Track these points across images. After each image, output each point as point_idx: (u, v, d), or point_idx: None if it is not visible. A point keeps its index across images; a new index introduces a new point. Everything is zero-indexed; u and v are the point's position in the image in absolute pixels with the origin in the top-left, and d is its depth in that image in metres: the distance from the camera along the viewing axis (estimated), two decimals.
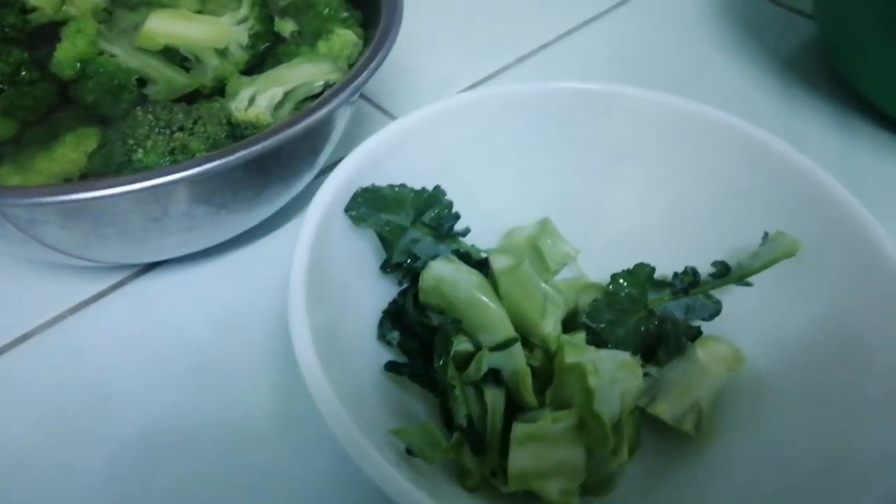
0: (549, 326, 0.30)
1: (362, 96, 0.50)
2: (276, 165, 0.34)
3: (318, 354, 0.24)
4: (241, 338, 0.36)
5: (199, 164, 0.28)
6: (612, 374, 0.28)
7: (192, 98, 0.36)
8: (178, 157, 0.31)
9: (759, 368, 0.31)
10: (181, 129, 0.31)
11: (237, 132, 0.33)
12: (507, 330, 0.30)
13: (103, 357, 0.35)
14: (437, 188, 0.31)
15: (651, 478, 0.30)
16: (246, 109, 0.33)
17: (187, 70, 0.38)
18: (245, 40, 0.38)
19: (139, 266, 0.39)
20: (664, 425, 0.31)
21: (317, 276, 0.27)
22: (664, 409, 0.30)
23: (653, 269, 0.33)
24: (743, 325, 0.32)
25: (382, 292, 0.32)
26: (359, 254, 0.31)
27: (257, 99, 0.34)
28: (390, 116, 0.49)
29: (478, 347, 0.30)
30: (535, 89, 0.34)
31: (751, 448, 0.29)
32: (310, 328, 0.25)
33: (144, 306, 0.38)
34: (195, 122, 0.32)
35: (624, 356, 0.29)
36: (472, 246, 0.34)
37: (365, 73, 0.33)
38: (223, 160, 0.28)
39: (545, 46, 0.57)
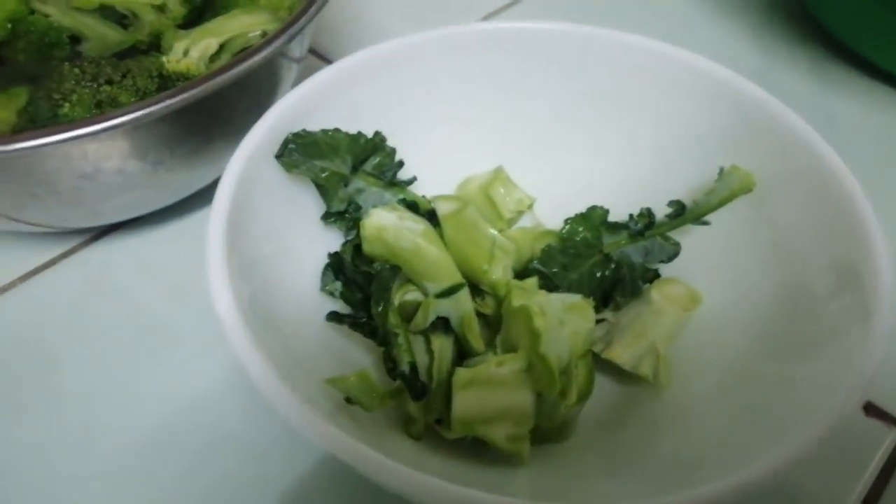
0: (498, 272, 0.29)
1: (315, 54, 0.48)
2: (214, 120, 0.32)
3: (238, 308, 0.23)
4: (195, 304, 0.35)
5: (123, 114, 0.27)
6: (560, 315, 0.27)
7: (129, 55, 0.35)
8: (106, 109, 0.29)
9: (717, 310, 0.30)
10: (109, 82, 0.30)
11: (169, 85, 0.32)
12: (453, 276, 0.29)
13: (52, 326, 0.34)
14: (376, 134, 0.30)
15: (608, 424, 0.29)
16: (179, 62, 0.32)
17: (126, 28, 0.37)
18: None
19: (90, 233, 0.38)
20: (623, 372, 0.30)
21: (242, 228, 0.26)
22: (619, 354, 0.29)
23: (606, 212, 0.31)
24: (702, 266, 0.31)
25: (326, 243, 0.31)
26: (298, 204, 0.30)
27: (190, 51, 0.33)
28: None
29: (426, 296, 0.29)
30: (480, 30, 0.33)
31: (707, 391, 0.28)
32: (229, 282, 0.23)
33: (95, 274, 0.37)
34: (124, 76, 0.30)
35: (574, 298, 0.28)
36: (422, 196, 0.32)
37: (303, 20, 0.32)
38: (147, 109, 0.27)
39: (512, 4, 0.56)
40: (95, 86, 0.30)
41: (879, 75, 0.47)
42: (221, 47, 0.34)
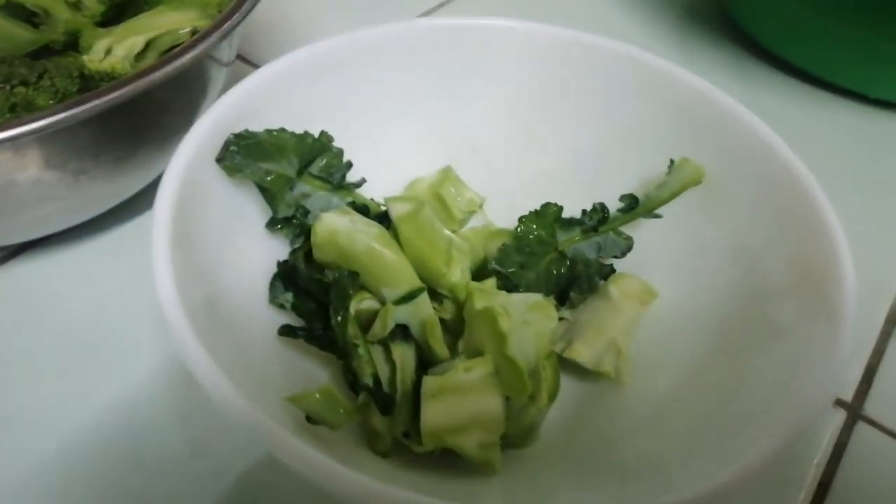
0: (457, 274, 0.28)
1: (243, 59, 0.46)
2: (143, 123, 0.30)
3: (192, 324, 0.21)
4: (132, 319, 0.32)
5: (41, 118, 0.24)
6: (524, 316, 0.27)
7: (41, 56, 0.32)
8: (21, 113, 0.27)
9: (672, 305, 0.30)
10: (24, 83, 0.27)
11: (91, 85, 0.29)
12: (411, 281, 0.27)
13: None
14: (323, 133, 0.28)
15: (572, 424, 0.29)
16: (102, 61, 0.29)
17: (37, 27, 0.34)
18: None
19: (7, 249, 0.35)
20: (583, 369, 0.30)
21: (186, 238, 0.24)
22: (581, 352, 0.29)
23: (560, 209, 0.31)
24: (655, 260, 0.31)
25: (273, 252, 0.29)
26: (243, 211, 0.28)
27: (114, 49, 0.30)
28: None
29: (383, 303, 0.28)
30: (424, 26, 0.32)
31: (667, 388, 0.28)
32: (179, 298, 0.21)
33: (19, 292, 0.34)
34: (40, 76, 0.28)
35: (536, 297, 0.27)
36: (371, 199, 0.31)
37: (237, 16, 0.30)
38: (69, 112, 0.25)
39: (445, 2, 0.55)
40: (8, 88, 0.27)
41: (796, 73, 0.50)
42: (147, 45, 0.31)
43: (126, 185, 0.33)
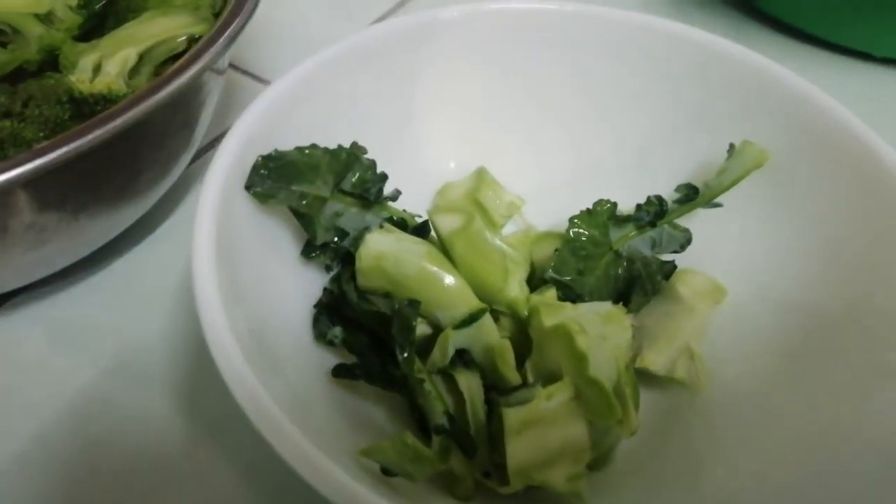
0: (515, 288, 0.26)
1: (232, 66, 0.42)
2: (144, 147, 0.27)
3: (253, 371, 0.18)
4: (133, 372, 0.29)
5: (35, 157, 0.21)
6: (600, 329, 0.24)
7: (15, 79, 0.28)
8: (10, 150, 0.23)
9: (739, 302, 0.28)
10: (7, 114, 0.24)
11: (85, 109, 0.26)
12: (469, 301, 0.25)
13: None
14: (354, 145, 0.25)
15: (648, 440, 0.27)
16: (91, 81, 0.26)
17: (4, 46, 0.30)
18: None
19: None
20: (650, 377, 0.27)
21: (227, 274, 0.21)
22: (653, 360, 0.27)
23: (614, 205, 0.29)
24: (719, 254, 0.29)
25: (307, 283, 0.26)
26: (275, 239, 0.25)
27: (104, 66, 0.26)
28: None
29: (437, 328, 0.25)
30: (449, 15, 0.29)
31: (749, 395, 0.26)
32: (235, 340, 0.19)
33: (8, 342, 0.30)
34: (25, 105, 0.24)
35: (607, 307, 0.25)
36: (405, 211, 0.28)
37: (238, 19, 0.27)
38: (67, 147, 0.21)
39: None
40: None
41: (796, 34, 0.47)
42: (141, 58, 0.28)
43: (127, 216, 0.30)
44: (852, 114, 0.25)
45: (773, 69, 0.27)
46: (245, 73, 0.42)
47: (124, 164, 0.26)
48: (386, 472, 0.21)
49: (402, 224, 0.27)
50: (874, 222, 0.25)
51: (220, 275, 0.20)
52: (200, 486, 0.26)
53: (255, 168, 0.22)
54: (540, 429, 0.22)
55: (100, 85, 0.25)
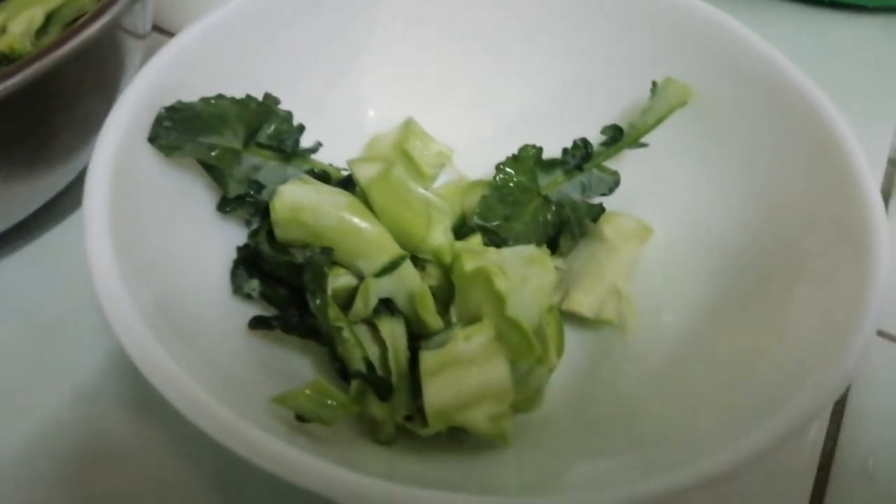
0: (439, 236, 0.26)
1: (160, 30, 0.41)
2: (57, 108, 0.26)
3: (152, 333, 0.18)
4: (66, 342, 0.28)
5: None
6: (521, 271, 0.24)
7: None
8: None
9: (670, 242, 0.28)
10: None
11: None
12: (390, 250, 0.25)
13: None
14: (267, 96, 0.25)
15: (579, 381, 0.27)
16: None
17: None
18: None
19: None
20: (582, 321, 0.27)
21: (127, 234, 0.20)
22: (581, 302, 0.27)
23: (540, 150, 0.28)
24: (648, 195, 0.29)
25: (231, 237, 0.26)
26: (188, 194, 0.24)
27: (9, 27, 0.26)
28: None
29: (360, 278, 0.25)
30: None
31: (676, 337, 0.26)
32: (133, 305, 0.18)
33: None
34: None
35: (529, 249, 0.25)
36: (329, 165, 0.28)
37: None
38: None
39: None
40: None
41: None
42: (48, 19, 0.27)
43: (47, 184, 0.29)
44: (775, 48, 0.25)
45: (692, 4, 0.27)
46: (171, 35, 0.41)
47: (35, 126, 0.25)
48: (301, 418, 0.21)
49: (324, 177, 0.27)
50: (799, 156, 0.25)
51: (118, 240, 0.19)
52: (141, 457, 0.26)
53: (159, 119, 0.22)
54: (458, 370, 0.22)
55: (2, 44, 0.25)
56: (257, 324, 0.23)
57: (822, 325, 0.20)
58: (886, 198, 0.35)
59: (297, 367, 0.25)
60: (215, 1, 0.24)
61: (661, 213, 0.29)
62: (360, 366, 0.22)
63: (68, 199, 0.32)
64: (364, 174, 0.25)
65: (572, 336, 0.27)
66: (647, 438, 0.22)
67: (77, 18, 0.28)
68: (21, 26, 0.26)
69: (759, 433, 0.18)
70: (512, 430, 0.23)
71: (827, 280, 0.21)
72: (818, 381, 0.19)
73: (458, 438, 0.23)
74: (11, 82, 0.22)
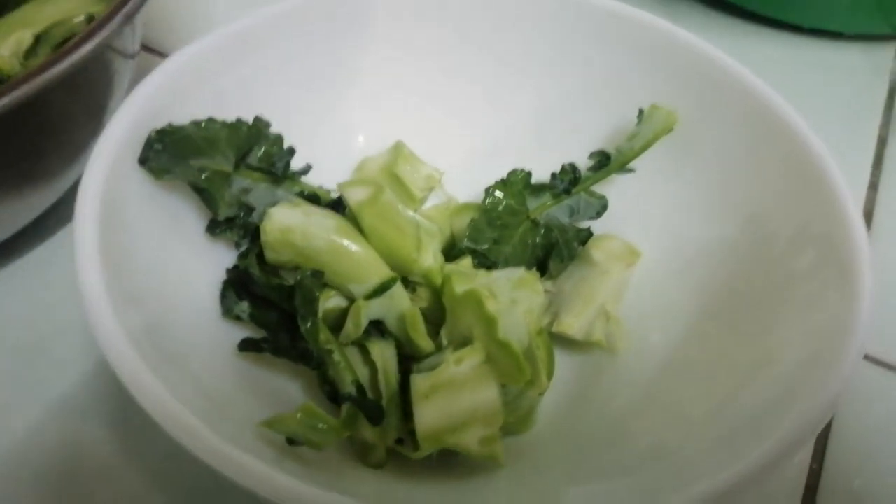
0: (429, 258, 0.26)
1: (148, 49, 0.41)
2: (46, 131, 0.26)
3: (143, 358, 0.18)
4: (50, 361, 0.28)
5: None
6: (510, 294, 0.24)
7: None
8: None
9: (656, 263, 0.29)
10: None
11: None
12: (381, 272, 0.25)
13: None
14: (257, 119, 0.25)
15: (570, 403, 0.27)
16: None
17: None
18: None
19: None
20: (571, 343, 0.28)
21: (116, 257, 0.20)
22: (570, 324, 0.27)
23: (529, 174, 0.29)
24: (633, 218, 0.29)
25: (220, 260, 0.26)
26: (177, 217, 0.24)
27: None
28: None
29: (351, 300, 0.25)
30: None
31: (664, 351, 0.26)
32: (122, 329, 0.18)
33: None
34: None
35: (519, 272, 0.25)
36: (319, 187, 0.28)
37: None
38: None
39: None
40: None
41: (722, 6, 0.48)
42: (37, 40, 0.27)
43: (34, 203, 0.29)
44: (753, 73, 0.26)
45: (673, 31, 0.27)
46: (162, 56, 0.41)
47: (22, 148, 0.25)
48: (291, 442, 0.20)
49: (314, 199, 0.27)
50: (779, 178, 0.25)
51: (108, 264, 0.19)
52: (122, 475, 0.25)
53: (149, 142, 0.22)
54: (448, 393, 0.22)
55: None
56: (247, 346, 0.23)
57: (810, 348, 0.21)
58: (868, 222, 0.36)
59: (287, 390, 0.25)
60: (204, 23, 0.24)
61: (647, 235, 0.29)
62: (350, 389, 0.22)
63: (55, 217, 0.31)
64: (354, 197, 0.25)
65: (562, 358, 0.28)
66: (637, 461, 0.22)
67: (66, 40, 0.28)
68: (10, 48, 0.26)
69: (748, 459, 0.18)
70: (503, 452, 0.23)
71: (813, 303, 0.22)
72: (807, 406, 0.19)
73: (448, 462, 0.23)
74: (3, 102, 0.22)
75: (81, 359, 0.28)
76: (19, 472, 0.25)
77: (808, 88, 0.42)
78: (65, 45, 0.25)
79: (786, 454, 0.18)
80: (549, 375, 0.25)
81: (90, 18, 0.28)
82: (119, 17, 0.25)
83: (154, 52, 0.42)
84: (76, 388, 0.28)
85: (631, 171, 0.29)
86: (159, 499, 0.25)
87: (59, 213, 0.31)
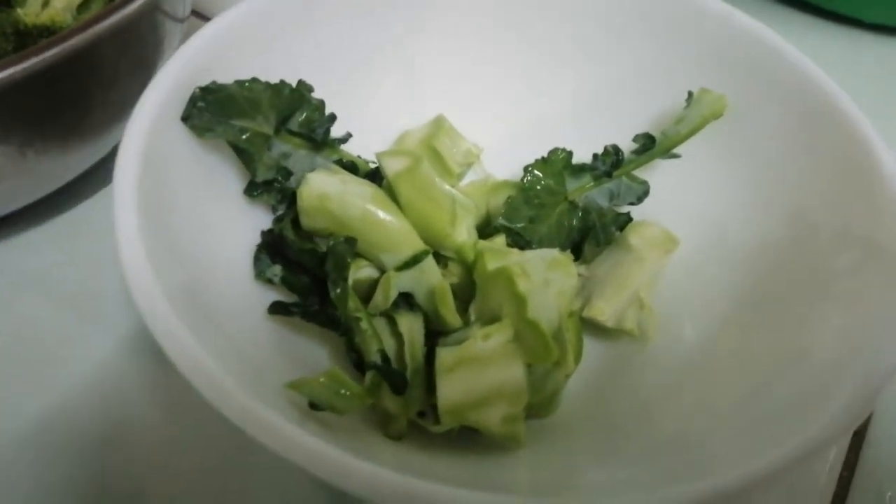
0: (463, 234, 0.26)
1: (198, 15, 0.42)
2: (93, 85, 0.26)
3: (178, 315, 0.18)
4: (91, 316, 0.29)
5: None
6: (543, 274, 0.24)
7: None
8: None
9: (695, 251, 0.28)
10: None
11: (29, 43, 0.25)
12: (413, 244, 0.25)
13: None
14: (301, 83, 0.25)
15: (596, 390, 0.26)
16: (39, 14, 0.25)
17: None
18: None
19: None
20: (603, 329, 0.27)
21: (155, 213, 0.20)
22: (601, 310, 0.27)
23: (570, 154, 0.28)
24: (676, 205, 0.28)
25: (255, 222, 0.26)
26: (216, 176, 0.24)
27: (53, 1, 0.26)
28: None
29: (382, 271, 0.25)
30: None
31: (698, 346, 0.26)
32: (159, 286, 0.18)
33: None
34: None
35: (553, 254, 0.25)
36: (358, 156, 0.28)
37: None
38: (4, 73, 0.21)
39: None
40: None
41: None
42: None
43: (79, 158, 0.29)
44: (809, 59, 0.25)
45: (729, 14, 0.26)
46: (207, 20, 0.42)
47: (70, 102, 0.26)
48: (314, 406, 0.21)
49: (352, 167, 0.27)
50: (829, 171, 0.24)
51: (146, 220, 0.19)
52: (154, 434, 0.26)
53: (193, 100, 0.22)
54: (474, 368, 0.22)
55: (44, 17, 0.25)
56: (277, 309, 0.23)
57: (848, 346, 0.20)
58: None
59: (314, 355, 0.25)
60: None
61: (686, 223, 0.28)
62: (375, 357, 0.22)
63: (98, 175, 0.32)
64: (392, 167, 0.25)
65: (590, 343, 0.27)
66: (661, 449, 0.22)
67: None
68: (63, 1, 0.26)
69: (774, 453, 0.17)
70: (524, 433, 0.23)
71: (854, 301, 0.21)
72: (840, 405, 0.18)
73: (468, 439, 0.23)
74: (51, 53, 0.23)
75: (118, 316, 0.29)
76: (55, 425, 0.26)
77: (866, 85, 0.40)
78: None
79: (813, 453, 0.17)
80: (577, 359, 0.25)
81: None
82: None
83: (204, 18, 0.42)
84: (113, 346, 0.28)
85: (676, 156, 0.28)
86: (192, 458, 0.25)
87: (103, 172, 0.32)
